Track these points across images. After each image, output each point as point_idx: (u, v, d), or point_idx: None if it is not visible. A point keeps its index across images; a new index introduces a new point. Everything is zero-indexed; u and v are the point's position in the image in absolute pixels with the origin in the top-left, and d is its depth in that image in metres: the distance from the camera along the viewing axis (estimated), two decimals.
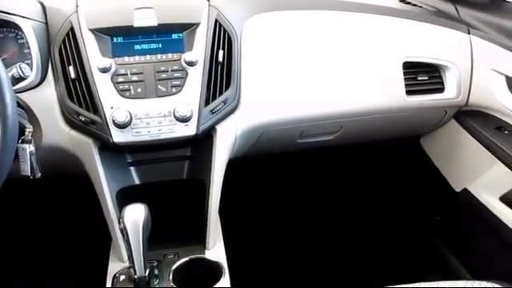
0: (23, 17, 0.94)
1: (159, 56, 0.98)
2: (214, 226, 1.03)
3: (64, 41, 0.96)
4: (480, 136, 1.20)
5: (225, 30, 1.02)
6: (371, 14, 1.19)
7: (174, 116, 0.94)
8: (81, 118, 0.94)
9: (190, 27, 0.99)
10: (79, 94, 0.94)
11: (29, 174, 0.92)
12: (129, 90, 0.94)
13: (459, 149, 1.31)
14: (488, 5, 1.24)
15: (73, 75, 0.94)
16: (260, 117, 1.08)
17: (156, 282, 0.91)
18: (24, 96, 0.94)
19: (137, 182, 1.08)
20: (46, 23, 0.98)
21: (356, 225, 1.74)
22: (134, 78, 0.95)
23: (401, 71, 1.17)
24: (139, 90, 0.95)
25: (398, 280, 0.95)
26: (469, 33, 1.22)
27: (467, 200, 1.29)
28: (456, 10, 1.30)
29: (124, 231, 0.81)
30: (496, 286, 0.93)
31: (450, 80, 1.21)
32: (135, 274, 0.84)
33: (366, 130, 1.29)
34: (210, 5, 1.02)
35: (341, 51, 1.14)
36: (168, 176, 1.10)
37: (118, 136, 0.93)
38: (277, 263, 1.62)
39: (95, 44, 0.95)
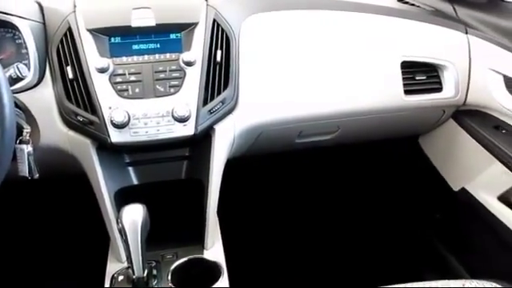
0: (21, 17, 0.94)
1: (157, 56, 0.98)
2: (213, 226, 1.03)
3: (62, 41, 0.96)
4: (478, 135, 1.20)
5: (223, 30, 1.02)
6: (369, 13, 1.19)
7: (173, 116, 0.94)
8: (79, 118, 0.93)
9: (188, 27, 0.99)
10: (77, 95, 0.94)
11: (27, 175, 0.92)
12: (127, 90, 0.94)
13: (457, 148, 1.31)
14: (486, 4, 1.24)
15: (71, 75, 0.94)
16: (258, 117, 1.08)
17: (154, 283, 0.91)
18: (22, 96, 0.93)
19: (135, 182, 1.08)
20: (44, 23, 0.98)
21: (355, 224, 1.74)
22: (132, 78, 0.95)
23: (399, 71, 1.17)
24: (137, 90, 0.95)
25: (397, 279, 0.95)
26: (467, 32, 1.22)
27: (465, 199, 1.29)
28: (454, 9, 1.30)
29: (122, 232, 0.81)
30: (494, 284, 0.93)
31: (448, 79, 1.21)
32: (133, 274, 0.83)
33: (364, 129, 1.29)
34: (207, 5, 1.02)
35: (339, 51, 1.14)
36: (166, 176, 1.10)
37: (116, 136, 0.93)
38: (275, 263, 1.62)
39: (93, 44, 0.95)
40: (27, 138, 0.92)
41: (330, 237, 1.72)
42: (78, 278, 1.45)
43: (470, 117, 1.25)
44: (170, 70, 0.97)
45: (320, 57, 1.12)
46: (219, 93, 0.99)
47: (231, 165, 1.09)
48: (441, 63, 1.20)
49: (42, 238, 1.59)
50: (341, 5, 1.19)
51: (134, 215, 0.82)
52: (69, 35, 0.95)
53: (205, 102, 0.98)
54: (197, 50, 0.98)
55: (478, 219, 1.26)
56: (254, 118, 1.07)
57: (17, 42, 0.96)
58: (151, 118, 0.94)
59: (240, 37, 1.06)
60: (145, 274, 0.84)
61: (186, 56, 0.97)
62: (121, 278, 0.93)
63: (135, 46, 0.97)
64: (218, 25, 1.02)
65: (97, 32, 0.95)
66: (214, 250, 1.02)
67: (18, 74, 0.91)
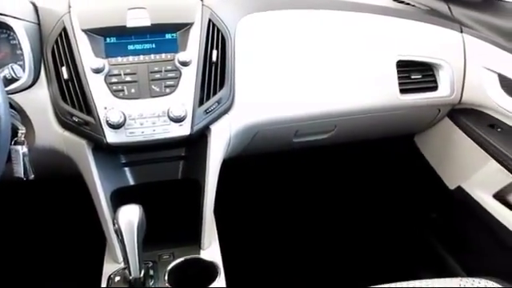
0: (15, 17, 0.94)
1: (153, 56, 0.97)
2: (209, 226, 1.03)
3: (57, 41, 0.95)
4: (473, 134, 1.20)
5: (218, 30, 1.02)
6: (364, 12, 1.19)
7: (168, 116, 0.94)
8: (74, 118, 0.93)
9: (183, 27, 0.99)
10: (72, 95, 0.93)
11: (22, 176, 0.91)
12: (122, 90, 0.94)
13: (453, 147, 1.32)
14: (481, 3, 1.25)
15: (66, 76, 0.93)
16: (254, 116, 1.08)
17: (151, 283, 0.91)
18: (16, 97, 0.93)
19: (131, 182, 1.08)
20: (39, 24, 0.98)
21: (351, 223, 1.74)
22: (128, 78, 0.95)
23: (394, 70, 1.17)
24: (133, 90, 0.94)
25: (393, 277, 0.95)
26: (461, 31, 1.22)
27: (461, 198, 1.29)
28: (449, 8, 1.31)
29: (118, 232, 0.81)
30: (490, 282, 0.94)
31: (444, 78, 1.21)
32: (130, 274, 0.83)
33: (361, 128, 1.29)
34: (203, 4, 1.02)
35: (334, 50, 1.14)
36: (163, 176, 1.09)
37: (111, 137, 0.93)
38: (272, 262, 1.62)
39: (88, 44, 0.94)
40: (22, 138, 0.91)
41: (327, 236, 1.72)
42: (75, 278, 1.44)
43: (466, 115, 1.26)
44: (166, 70, 0.96)
45: (316, 56, 1.12)
46: (215, 93, 0.99)
47: (228, 165, 1.09)
48: (436, 62, 1.20)
49: (37, 239, 1.59)
50: (336, 4, 1.19)
51: (131, 216, 0.82)
52: (64, 36, 0.95)
53: (200, 102, 0.97)
54: (192, 50, 0.98)
55: (474, 217, 1.26)
56: (250, 118, 1.07)
57: (11, 42, 0.95)
58: (147, 118, 0.94)
59: (236, 37, 1.06)
60: (141, 275, 0.84)
61: (181, 56, 0.97)
62: (117, 278, 0.93)
63: (130, 47, 0.97)
64: (214, 25, 1.01)
65: (92, 32, 0.95)
66: (211, 250, 1.01)
67: (13, 74, 0.90)
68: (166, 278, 0.93)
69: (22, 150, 0.91)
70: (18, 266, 1.55)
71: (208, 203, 1.01)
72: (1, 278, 1.49)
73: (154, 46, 0.98)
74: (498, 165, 1.12)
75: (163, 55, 0.97)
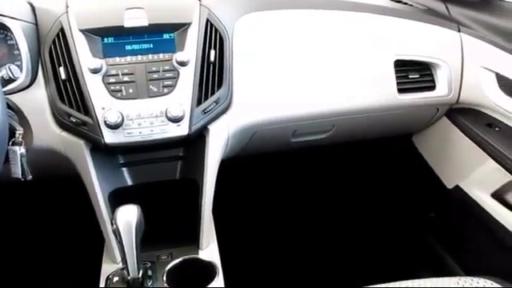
0: (12, 18, 0.93)
1: (150, 56, 0.97)
2: (208, 226, 1.03)
3: (54, 41, 0.95)
4: (471, 133, 1.21)
5: (216, 30, 1.02)
6: (362, 12, 1.19)
7: (166, 116, 0.94)
8: (72, 119, 0.93)
9: (181, 27, 0.99)
10: (70, 95, 0.93)
11: (20, 177, 0.91)
12: (120, 90, 0.94)
13: (451, 146, 1.32)
14: (478, 3, 1.25)
15: (63, 76, 0.93)
16: (252, 116, 1.08)
17: (150, 283, 0.91)
18: (14, 98, 0.93)
19: (129, 182, 1.08)
20: (36, 24, 0.98)
21: (349, 223, 1.75)
22: (126, 78, 0.95)
23: (392, 69, 1.17)
24: (131, 90, 0.94)
25: (391, 277, 0.95)
26: (459, 31, 1.22)
27: (459, 197, 1.30)
28: (446, 8, 1.31)
29: (117, 233, 0.81)
30: (489, 282, 0.94)
31: (441, 78, 1.22)
32: (128, 275, 0.83)
33: (359, 128, 1.29)
34: (201, 4, 1.02)
35: (332, 50, 1.14)
36: (161, 176, 1.09)
37: (109, 137, 0.92)
38: (271, 262, 1.62)
39: (86, 44, 0.94)
40: (20, 139, 0.91)
41: (325, 235, 1.72)
42: (73, 279, 1.44)
43: (464, 115, 1.26)
44: (164, 70, 0.96)
45: (314, 56, 1.12)
46: (213, 93, 0.99)
47: (226, 165, 1.09)
48: (434, 61, 1.20)
49: (36, 240, 1.59)
50: (334, 4, 1.19)
51: (129, 216, 0.81)
52: (61, 36, 0.95)
53: (198, 102, 0.97)
54: (190, 49, 0.98)
55: (472, 216, 1.26)
56: (248, 118, 1.07)
57: (9, 42, 0.95)
58: (145, 118, 0.94)
59: (233, 36, 1.06)
60: (140, 275, 0.84)
61: (179, 56, 0.97)
62: (116, 278, 0.93)
63: (128, 47, 0.97)
64: (212, 24, 1.01)
65: (89, 32, 0.95)
66: (209, 250, 1.01)
67: (10, 75, 0.90)
68: (165, 278, 0.93)
69: (20, 150, 0.91)
70: (17, 266, 1.54)
71: (206, 203, 1.01)
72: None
73: (151, 46, 0.98)
74: (496, 164, 1.12)
75: (161, 55, 0.97)
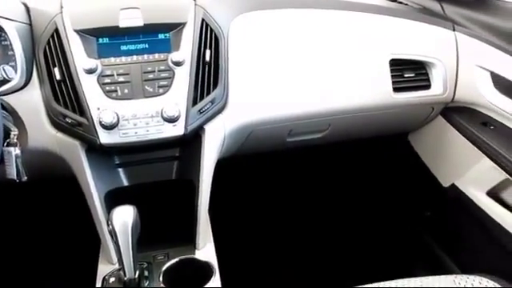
0: (6, 18, 0.93)
1: (146, 56, 0.97)
2: (204, 227, 1.03)
3: (49, 42, 0.95)
4: (466, 132, 1.21)
5: (211, 30, 1.02)
6: (357, 11, 1.19)
7: (162, 116, 0.94)
8: (67, 119, 0.93)
9: (176, 27, 0.99)
10: (65, 96, 0.93)
11: (15, 178, 0.91)
12: (115, 90, 0.93)
13: (446, 145, 1.32)
14: (473, 2, 1.25)
15: (58, 77, 0.93)
16: (248, 116, 1.08)
17: (146, 284, 0.91)
18: (9, 99, 0.92)
19: (125, 183, 1.07)
20: (30, 24, 0.97)
21: (346, 222, 1.75)
22: (121, 78, 0.94)
23: (387, 68, 1.17)
24: (126, 90, 0.94)
25: (388, 275, 0.95)
26: (454, 30, 1.23)
27: (455, 195, 1.30)
28: (441, 7, 1.31)
29: (113, 233, 0.81)
30: (485, 279, 0.94)
31: (437, 77, 1.22)
32: (125, 275, 0.83)
33: (355, 127, 1.29)
34: (196, 4, 1.02)
35: (327, 49, 1.14)
36: (157, 177, 1.09)
37: (105, 137, 0.92)
38: (267, 262, 1.62)
39: (80, 45, 0.94)
40: (15, 140, 0.91)
41: (321, 234, 1.73)
42: (70, 280, 1.44)
43: (459, 113, 1.26)
44: (159, 71, 0.96)
45: (309, 55, 1.12)
46: (208, 92, 0.99)
47: (222, 165, 1.09)
48: (429, 60, 1.21)
49: (31, 241, 1.58)
50: (329, 3, 1.19)
51: (125, 217, 0.81)
52: (56, 36, 0.94)
53: (194, 102, 0.97)
54: (185, 49, 0.98)
55: (468, 215, 1.27)
56: (244, 118, 1.07)
57: (3, 43, 0.94)
58: (140, 118, 0.94)
59: (229, 36, 1.06)
60: (136, 275, 0.84)
61: (174, 56, 0.96)
62: (112, 279, 0.93)
63: (123, 47, 0.97)
64: (207, 24, 1.01)
65: (84, 33, 0.95)
66: (206, 250, 1.01)
67: (5, 76, 0.90)
68: (161, 278, 0.93)
69: (15, 151, 0.90)
70: (13, 267, 1.54)
71: (203, 203, 1.01)
72: None
73: (147, 46, 0.97)
74: (491, 162, 1.13)
75: (156, 55, 0.97)
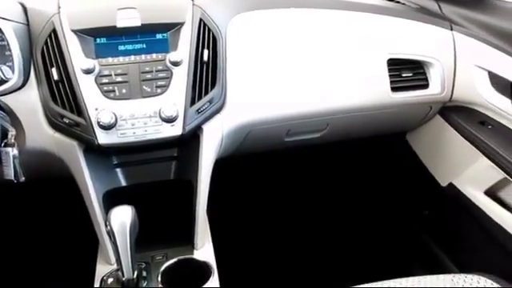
0: (3, 18, 0.93)
1: (143, 56, 0.97)
2: (203, 227, 1.03)
3: (46, 42, 0.94)
4: (464, 131, 1.21)
5: (209, 30, 1.01)
6: (355, 11, 1.19)
7: (160, 116, 0.94)
8: (65, 120, 0.92)
9: (174, 27, 0.99)
10: (63, 96, 0.93)
11: (12, 178, 0.91)
12: (113, 91, 0.93)
13: (444, 144, 1.33)
14: (470, 1, 1.25)
15: (56, 77, 0.93)
16: (246, 116, 1.08)
17: (144, 284, 0.91)
18: (6, 99, 0.92)
19: (123, 183, 1.07)
20: (28, 25, 0.97)
21: (344, 221, 1.75)
22: (119, 78, 0.94)
23: (385, 68, 1.17)
24: (124, 90, 0.94)
25: (386, 275, 0.95)
26: (452, 29, 1.23)
27: (453, 194, 1.30)
28: (439, 6, 1.31)
29: (111, 234, 0.81)
30: (483, 278, 0.94)
31: (434, 76, 1.22)
32: (123, 276, 0.83)
33: (353, 127, 1.30)
34: (194, 4, 1.02)
35: (325, 49, 1.14)
36: (155, 177, 1.09)
37: (103, 138, 0.92)
38: (266, 262, 1.62)
39: (78, 45, 0.94)
40: (12, 140, 0.91)
41: (320, 234, 1.73)
42: (68, 280, 1.44)
43: (457, 113, 1.26)
44: (157, 71, 0.96)
45: (307, 55, 1.12)
46: (207, 92, 0.99)
47: (220, 165, 1.09)
48: (427, 60, 1.21)
49: (29, 242, 1.58)
50: (327, 3, 1.19)
51: (123, 217, 0.81)
52: (53, 36, 0.94)
53: (192, 102, 0.97)
54: (183, 49, 0.98)
55: (466, 214, 1.27)
56: (242, 117, 1.07)
57: (0, 43, 0.94)
58: (138, 118, 0.94)
59: (227, 36, 1.06)
60: (134, 276, 0.84)
61: (172, 56, 0.96)
62: (110, 280, 0.93)
63: (121, 47, 0.96)
64: (205, 24, 1.01)
65: (82, 33, 0.94)
66: (204, 250, 1.01)
67: (2, 76, 0.90)
68: (160, 278, 0.93)
69: (13, 152, 0.90)
70: (11, 267, 1.53)
71: (201, 203, 1.01)
72: None
73: (144, 46, 0.97)
74: (489, 161, 1.13)
75: (154, 55, 0.97)
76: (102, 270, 0.96)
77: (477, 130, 1.18)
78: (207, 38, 1.01)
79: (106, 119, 0.90)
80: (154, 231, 0.96)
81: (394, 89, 1.19)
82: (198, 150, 1.01)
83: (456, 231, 1.41)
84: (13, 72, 0.92)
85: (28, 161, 0.93)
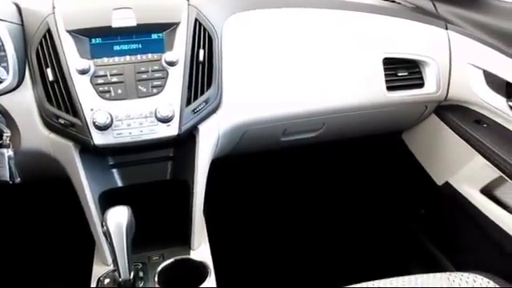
0: None
1: (139, 56, 0.97)
2: (199, 227, 1.02)
3: (41, 43, 0.94)
4: (460, 130, 1.22)
5: (205, 29, 1.01)
6: (350, 11, 1.19)
7: (156, 116, 0.94)
8: (60, 120, 0.92)
9: (169, 27, 0.99)
10: (58, 97, 0.92)
11: (8, 179, 0.91)
12: (109, 91, 0.93)
13: (440, 143, 1.33)
14: (465, 1, 1.26)
15: (51, 77, 0.92)
16: (242, 115, 1.08)
17: (141, 284, 0.90)
18: (1, 100, 0.92)
19: (119, 184, 1.07)
20: (22, 25, 0.96)
21: (340, 221, 1.75)
22: (114, 79, 0.94)
23: (381, 67, 1.18)
24: (119, 91, 0.94)
25: (383, 274, 0.96)
26: (447, 28, 1.23)
27: (449, 193, 1.31)
28: (434, 5, 1.32)
29: (107, 234, 0.81)
30: (479, 277, 0.94)
31: (430, 75, 1.22)
32: (120, 276, 0.83)
33: (349, 126, 1.30)
34: (189, 4, 1.02)
35: (321, 48, 1.14)
36: (151, 177, 1.09)
37: (98, 138, 0.92)
38: (263, 262, 1.62)
39: (73, 45, 0.93)
40: (7, 141, 0.91)
41: (316, 234, 1.73)
42: (65, 281, 1.43)
43: (452, 112, 1.27)
44: (153, 71, 0.96)
45: (303, 55, 1.12)
46: (202, 92, 0.99)
47: (216, 165, 1.09)
48: (422, 59, 1.21)
49: (26, 242, 1.57)
50: (322, 2, 1.19)
51: (119, 217, 0.81)
52: (48, 37, 0.94)
53: (188, 102, 0.97)
54: (179, 49, 0.98)
55: (462, 212, 1.28)
56: (238, 117, 1.07)
57: None
58: (134, 118, 0.93)
59: (222, 36, 1.06)
60: (131, 276, 0.84)
61: (168, 56, 0.96)
62: (107, 280, 0.92)
63: (116, 47, 0.96)
64: (200, 24, 1.01)
65: (77, 33, 0.94)
66: (201, 251, 1.01)
67: None
68: (156, 279, 0.93)
69: (8, 153, 0.90)
70: (7, 268, 1.53)
71: (197, 204, 1.01)
72: None
73: (140, 46, 0.97)
74: (485, 160, 1.13)
75: (150, 55, 0.97)
76: (98, 270, 0.96)
77: (472, 129, 1.18)
78: (203, 37, 1.01)
79: (102, 119, 0.90)
80: (151, 231, 0.96)
81: (389, 88, 1.19)
82: (194, 150, 1.01)
83: (452, 230, 1.41)
84: (7, 73, 0.92)
85: (23, 162, 0.93)
